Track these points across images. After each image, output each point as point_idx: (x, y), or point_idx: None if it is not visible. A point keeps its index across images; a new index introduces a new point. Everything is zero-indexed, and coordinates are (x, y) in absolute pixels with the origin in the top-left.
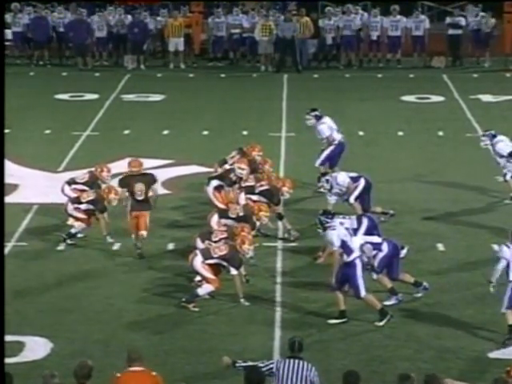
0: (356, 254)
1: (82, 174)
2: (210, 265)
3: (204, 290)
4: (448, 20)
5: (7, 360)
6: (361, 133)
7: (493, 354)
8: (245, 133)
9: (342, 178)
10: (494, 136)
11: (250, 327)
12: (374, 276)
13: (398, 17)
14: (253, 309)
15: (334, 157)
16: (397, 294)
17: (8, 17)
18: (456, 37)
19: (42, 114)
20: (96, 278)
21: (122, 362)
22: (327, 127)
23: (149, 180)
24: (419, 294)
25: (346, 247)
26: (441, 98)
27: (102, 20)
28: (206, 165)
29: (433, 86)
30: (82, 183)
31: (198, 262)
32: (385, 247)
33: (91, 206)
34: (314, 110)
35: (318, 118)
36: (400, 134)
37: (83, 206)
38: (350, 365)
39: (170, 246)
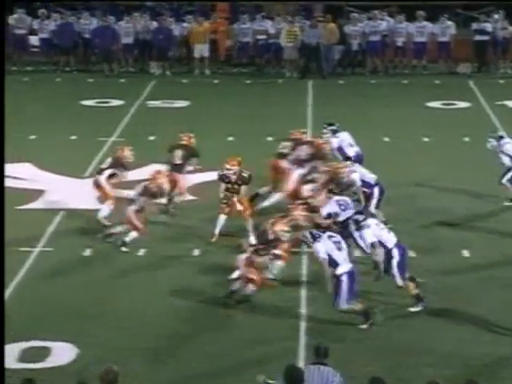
0: (343, 268)
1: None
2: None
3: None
4: (474, 26)
5: (33, 365)
6: (386, 139)
7: None
8: (269, 139)
9: (355, 177)
10: (502, 137)
11: (275, 334)
12: (400, 283)
13: (424, 23)
14: (278, 315)
15: None
16: (423, 300)
17: (35, 23)
18: (482, 43)
19: (68, 120)
20: (122, 284)
21: (146, 368)
22: (337, 141)
23: (190, 152)
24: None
25: (331, 261)
26: (467, 104)
27: (129, 26)
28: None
29: (459, 92)
30: (108, 167)
31: (242, 258)
32: (395, 253)
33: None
34: (330, 124)
35: (334, 132)
36: (425, 140)
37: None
38: (375, 371)
39: (196, 252)
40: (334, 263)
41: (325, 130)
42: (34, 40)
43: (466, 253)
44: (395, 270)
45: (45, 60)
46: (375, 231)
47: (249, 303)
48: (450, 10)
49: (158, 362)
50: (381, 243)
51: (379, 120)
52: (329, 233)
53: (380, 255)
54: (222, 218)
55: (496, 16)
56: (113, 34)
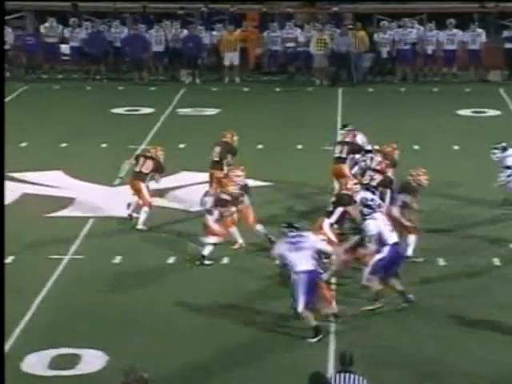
0: (299, 267)
1: (142, 165)
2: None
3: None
4: (505, 34)
5: (63, 373)
6: (416, 147)
7: None
8: (299, 147)
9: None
10: (505, 149)
11: (304, 340)
12: (365, 280)
13: (454, 30)
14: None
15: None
16: (381, 299)
17: (66, 32)
18: None
19: (99, 128)
20: (152, 291)
21: (176, 375)
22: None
23: (227, 149)
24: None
25: (288, 261)
26: (497, 112)
27: (159, 34)
28: (260, 178)
29: (489, 100)
30: (150, 172)
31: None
32: (385, 251)
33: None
34: (345, 126)
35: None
36: (455, 148)
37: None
38: (402, 380)
39: (225, 260)
40: (290, 264)
41: (341, 131)
42: (64, 48)
43: (496, 261)
44: (372, 264)
45: (75, 68)
46: (380, 225)
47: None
48: (481, 18)
49: (189, 369)
50: (381, 238)
51: (409, 128)
52: (293, 233)
53: (371, 249)
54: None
55: None
56: (143, 42)
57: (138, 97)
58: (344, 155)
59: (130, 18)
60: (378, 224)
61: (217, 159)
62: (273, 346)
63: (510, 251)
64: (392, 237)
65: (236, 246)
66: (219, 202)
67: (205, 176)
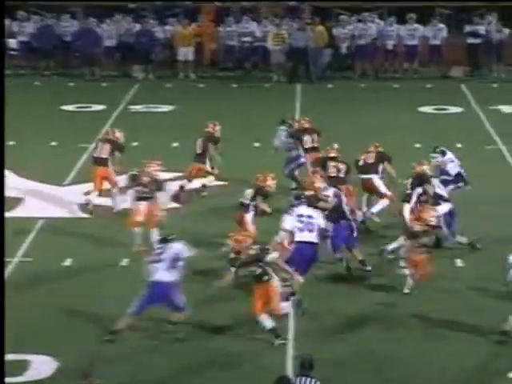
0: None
1: (100, 150)
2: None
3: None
4: (467, 28)
5: (12, 379)
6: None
7: None
8: (256, 145)
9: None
10: (444, 152)
11: (263, 344)
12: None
13: (415, 25)
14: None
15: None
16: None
17: (14, 25)
18: (475, 46)
19: (48, 125)
20: (103, 294)
21: (126, 380)
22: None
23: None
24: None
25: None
26: (459, 109)
27: (111, 29)
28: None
29: (451, 97)
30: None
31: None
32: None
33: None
34: (283, 121)
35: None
36: (417, 145)
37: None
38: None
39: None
40: None
41: (282, 127)
42: (12, 43)
43: (459, 262)
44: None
45: (24, 64)
46: (293, 222)
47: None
48: (442, 13)
49: (139, 374)
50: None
51: (369, 125)
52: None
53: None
54: None
55: (489, 18)
56: (94, 36)
57: (88, 93)
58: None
59: (80, 11)
60: (293, 220)
61: (199, 151)
62: (235, 351)
63: (469, 251)
64: (303, 236)
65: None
66: (258, 193)
67: (160, 175)
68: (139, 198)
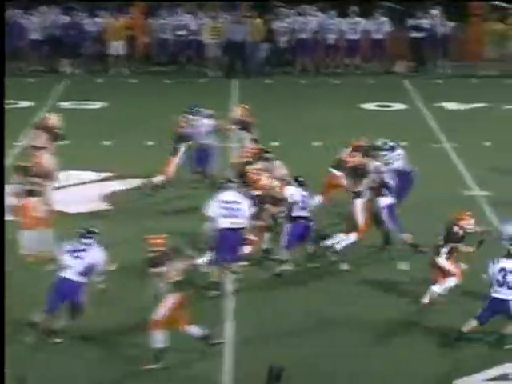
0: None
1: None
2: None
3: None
4: (410, 22)
5: None
6: (316, 143)
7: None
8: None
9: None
10: (393, 148)
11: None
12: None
13: (357, 19)
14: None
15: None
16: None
17: None
18: (419, 40)
19: None
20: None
21: None
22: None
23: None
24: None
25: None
26: (403, 106)
27: (38, 21)
28: (144, 177)
29: (394, 93)
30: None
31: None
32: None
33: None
34: (193, 107)
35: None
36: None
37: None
38: None
39: None
40: None
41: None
42: None
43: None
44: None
45: None
46: (216, 207)
47: None
48: (385, 6)
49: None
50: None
51: (310, 122)
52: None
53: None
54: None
55: (434, 11)
56: (19, 29)
57: (14, 89)
58: None
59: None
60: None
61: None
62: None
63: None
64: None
65: None
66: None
67: (88, 175)
68: (28, 194)
